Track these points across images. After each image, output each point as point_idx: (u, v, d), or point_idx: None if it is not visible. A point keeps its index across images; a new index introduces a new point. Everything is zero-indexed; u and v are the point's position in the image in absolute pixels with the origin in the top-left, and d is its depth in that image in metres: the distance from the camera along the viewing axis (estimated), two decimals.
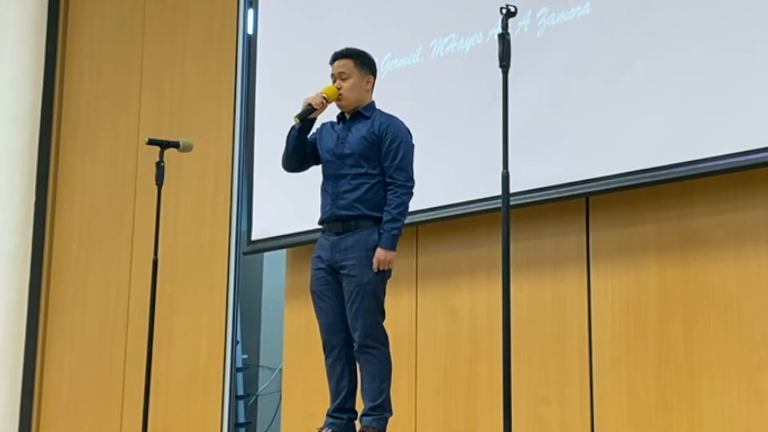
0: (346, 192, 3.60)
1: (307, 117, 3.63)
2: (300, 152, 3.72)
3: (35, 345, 6.60)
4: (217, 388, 5.65)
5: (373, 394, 3.54)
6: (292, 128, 3.68)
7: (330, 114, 3.77)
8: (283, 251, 5.64)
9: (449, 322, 4.78)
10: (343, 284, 3.59)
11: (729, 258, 3.96)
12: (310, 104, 3.61)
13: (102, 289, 6.41)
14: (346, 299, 3.57)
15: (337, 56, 3.71)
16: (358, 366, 3.60)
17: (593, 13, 4.30)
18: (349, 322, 3.57)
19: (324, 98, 3.62)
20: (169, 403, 5.80)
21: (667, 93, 4.04)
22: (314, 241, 3.78)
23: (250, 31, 5.85)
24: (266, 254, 6.28)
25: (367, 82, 3.70)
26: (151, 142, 4.57)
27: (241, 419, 6.44)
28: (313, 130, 3.74)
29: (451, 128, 4.72)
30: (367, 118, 3.67)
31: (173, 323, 5.89)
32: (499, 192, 3.29)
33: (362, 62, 3.70)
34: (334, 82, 3.68)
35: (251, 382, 6.71)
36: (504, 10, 3.30)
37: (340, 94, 3.65)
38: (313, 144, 3.74)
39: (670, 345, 4.05)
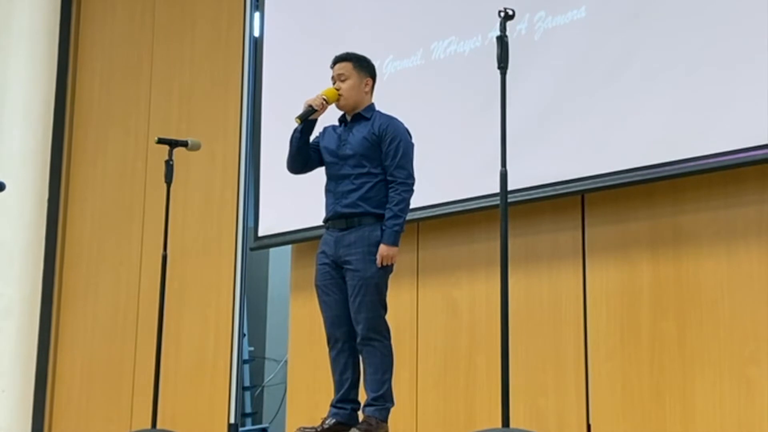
0: (349, 191, 3.65)
1: (307, 118, 3.66)
2: (303, 154, 3.75)
3: (48, 337, 6.62)
4: (224, 379, 5.68)
5: (376, 385, 3.58)
6: (295, 130, 3.72)
7: (332, 117, 3.82)
8: (289, 247, 5.68)
9: (449, 316, 4.81)
10: (347, 278, 3.63)
11: (720, 253, 3.98)
12: (310, 105, 3.65)
13: (113, 283, 6.43)
14: (349, 293, 3.61)
15: (337, 59, 3.76)
16: (360, 358, 3.64)
17: (588, 17, 4.33)
18: (352, 315, 3.61)
19: (324, 100, 3.66)
20: (177, 393, 5.84)
21: (660, 93, 4.07)
22: (319, 238, 3.82)
23: (256, 34, 5.88)
24: (272, 250, 6.31)
25: (366, 84, 3.74)
26: (161, 141, 4.60)
27: (248, 409, 6.48)
28: (316, 133, 3.78)
29: (451, 128, 4.75)
30: (368, 119, 3.71)
31: (182, 316, 5.92)
32: (497, 190, 3.32)
33: (361, 65, 3.75)
34: (334, 84, 3.74)
35: (257, 374, 6.75)
36: (502, 14, 3.33)
37: (339, 95, 3.69)
38: (316, 147, 3.78)
39: (663, 338, 4.08)
